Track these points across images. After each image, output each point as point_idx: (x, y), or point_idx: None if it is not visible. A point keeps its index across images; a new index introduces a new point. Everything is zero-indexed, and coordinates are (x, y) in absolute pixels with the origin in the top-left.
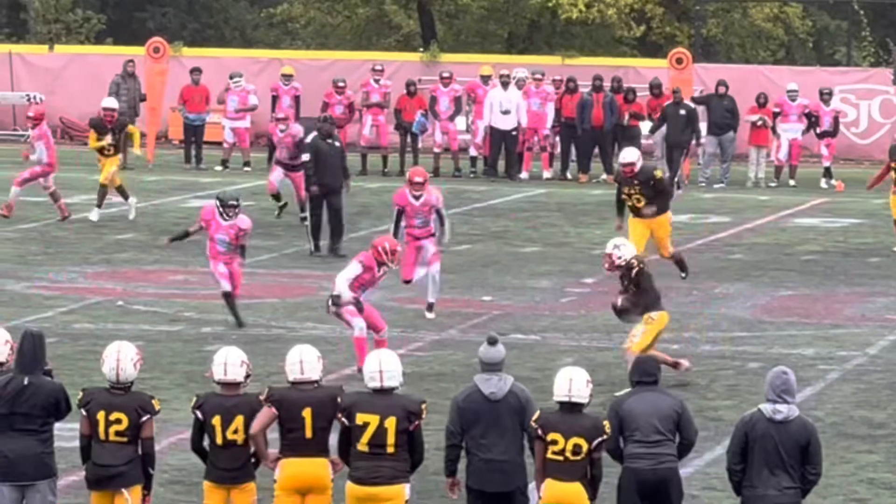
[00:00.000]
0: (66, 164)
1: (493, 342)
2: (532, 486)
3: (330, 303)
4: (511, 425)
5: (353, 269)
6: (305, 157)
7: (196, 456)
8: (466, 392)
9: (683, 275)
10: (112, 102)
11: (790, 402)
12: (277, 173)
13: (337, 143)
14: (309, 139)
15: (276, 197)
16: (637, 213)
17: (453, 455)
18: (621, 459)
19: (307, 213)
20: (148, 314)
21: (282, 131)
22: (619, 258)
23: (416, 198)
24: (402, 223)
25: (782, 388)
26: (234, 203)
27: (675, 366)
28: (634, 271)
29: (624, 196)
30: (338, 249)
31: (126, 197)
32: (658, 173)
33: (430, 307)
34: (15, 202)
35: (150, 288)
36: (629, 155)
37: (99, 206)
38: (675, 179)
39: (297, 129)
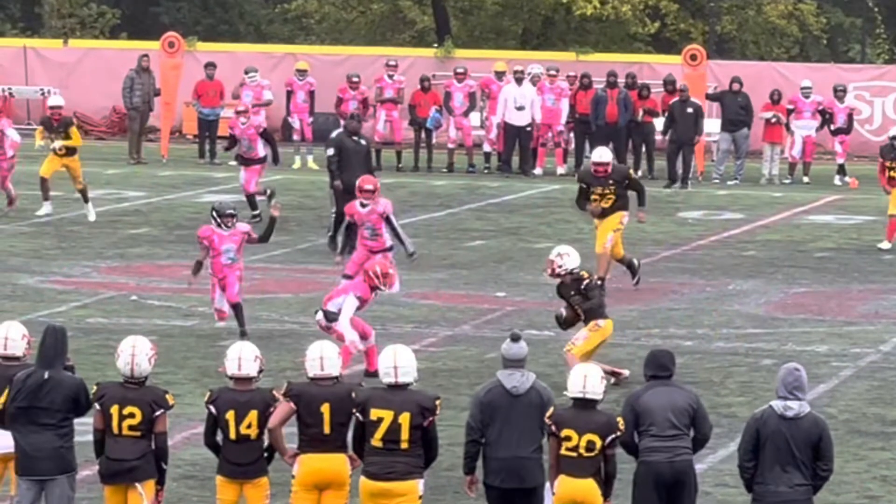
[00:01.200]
0: (81, 159)
1: (516, 339)
2: (548, 485)
3: (322, 317)
4: (531, 422)
5: (351, 305)
6: (330, 151)
7: (209, 450)
8: (488, 387)
9: (634, 279)
10: (58, 100)
11: (801, 399)
12: (242, 171)
13: (363, 142)
14: (334, 135)
15: (261, 192)
16: (602, 212)
17: (473, 451)
18: (635, 453)
19: (258, 212)
20: (162, 309)
21: (243, 124)
22: (561, 266)
23: (363, 206)
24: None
25: (794, 385)
26: (233, 212)
27: (615, 374)
28: (584, 283)
29: (595, 196)
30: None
31: (46, 197)
32: (632, 171)
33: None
34: None
35: (164, 283)
36: (604, 154)
37: (86, 200)
38: (689, 176)
39: (259, 120)
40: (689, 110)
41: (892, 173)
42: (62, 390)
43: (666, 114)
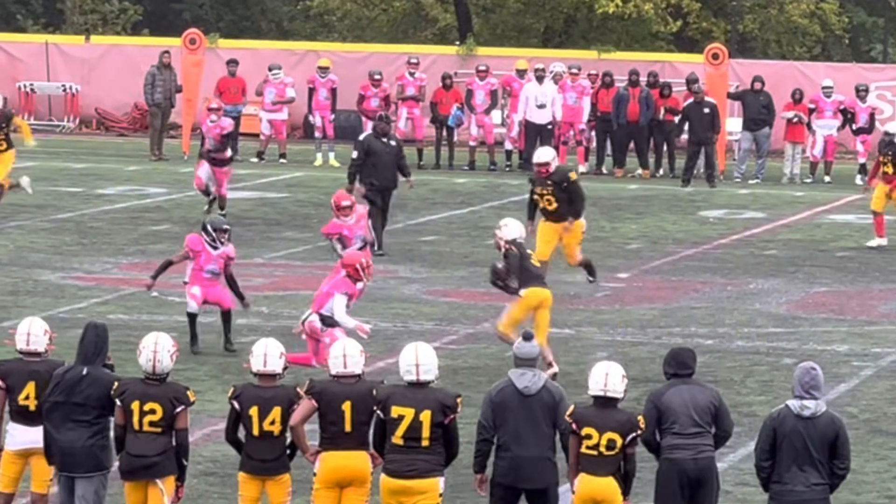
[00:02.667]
0: (102, 155)
1: (528, 338)
2: (564, 487)
3: (316, 321)
4: (543, 421)
5: (341, 303)
6: (354, 154)
7: (230, 447)
8: (500, 386)
9: (592, 279)
10: None
11: (818, 398)
12: (205, 168)
13: (393, 142)
14: (362, 137)
15: (206, 192)
16: (548, 215)
17: (485, 450)
18: (657, 451)
19: (225, 212)
20: (182, 305)
21: (212, 122)
22: (500, 237)
23: (348, 218)
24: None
25: (810, 384)
26: (227, 228)
27: (549, 365)
28: (503, 252)
29: (536, 196)
30: (380, 246)
31: None
32: (573, 175)
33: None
34: None
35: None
36: (545, 154)
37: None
38: (715, 175)
39: (227, 122)
40: (706, 110)
41: (885, 168)
42: (99, 387)
43: (681, 114)
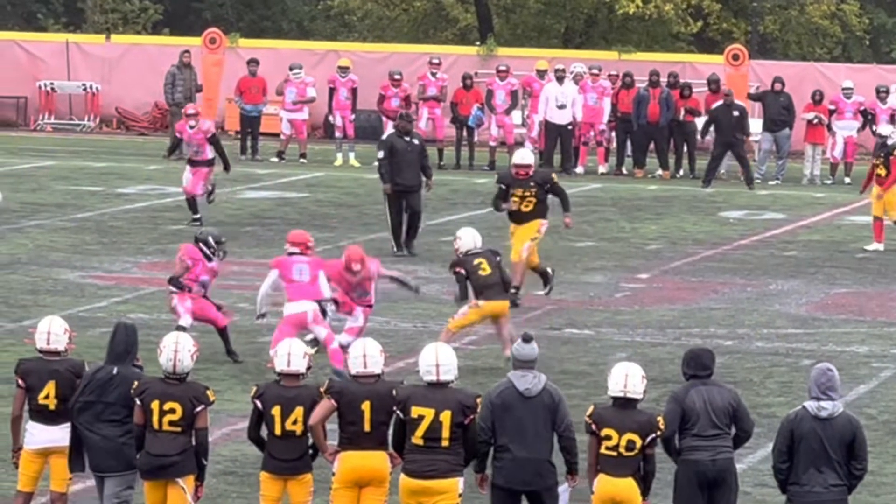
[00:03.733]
0: (123, 154)
1: (527, 340)
2: (562, 487)
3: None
4: (543, 423)
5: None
6: (379, 154)
7: (252, 445)
8: (500, 388)
9: (542, 291)
10: None
11: (834, 399)
12: (188, 173)
13: (416, 141)
14: (385, 136)
15: (192, 203)
16: (520, 217)
17: (483, 451)
18: (673, 452)
19: (199, 216)
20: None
21: (191, 127)
22: (457, 250)
23: (353, 273)
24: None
25: (826, 385)
26: (224, 240)
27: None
28: (455, 257)
29: (515, 199)
30: (412, 248)
31: None
32: (555, 175)
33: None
34: None
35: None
36: (527, 156)
37: None
38: (752, 176)
39: (207, 125)
40: (735, 113)
41: (878, 171)
42: (129, 386)
43: (708, 116)
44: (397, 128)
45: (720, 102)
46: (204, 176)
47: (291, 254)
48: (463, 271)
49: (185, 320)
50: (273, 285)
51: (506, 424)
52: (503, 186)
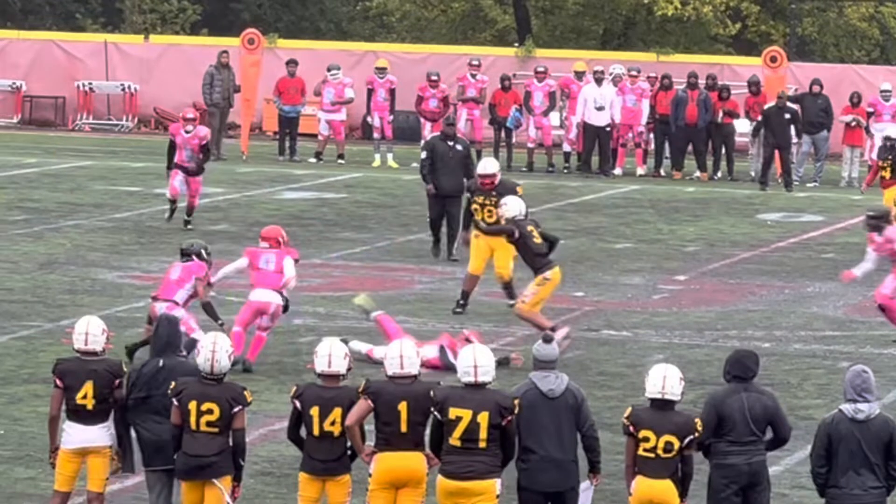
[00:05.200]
0: (161, 154)
1: (548, 340)
2: (583, 485)
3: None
4: (567, 423)
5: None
6: (422, 155)
7: (290, 446)
8: (523, 389)
9: (511, 302)
10: None
11: (870, 401)
12: (180, 177)
13: (459, 146)
14: (429, 137)
15: (174, 201)
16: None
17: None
18: (708, 454)
19: (190, 220)
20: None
21: (188, 132)
22: (501, 216)
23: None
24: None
25: (862, 388)
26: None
27: (553, 329)
28: (514, 236)
29: (475, 206)
30: (451, 253)
31: None
32: (520, 188)
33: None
34: None
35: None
36: (490, 166)
37: None
38: (792, 179)
39: (204, 131)
40: (787, 116)
41: (883, 173)
42: (177, 376)
43: (760, 118)
44: (442, 131)
45: (771, 104)
46: (200, 184)
47: (264, 247)
48: (517, 233)
49: (199, 333)
50: (237, 270)
51: (530, 425)
52: (469, 194)
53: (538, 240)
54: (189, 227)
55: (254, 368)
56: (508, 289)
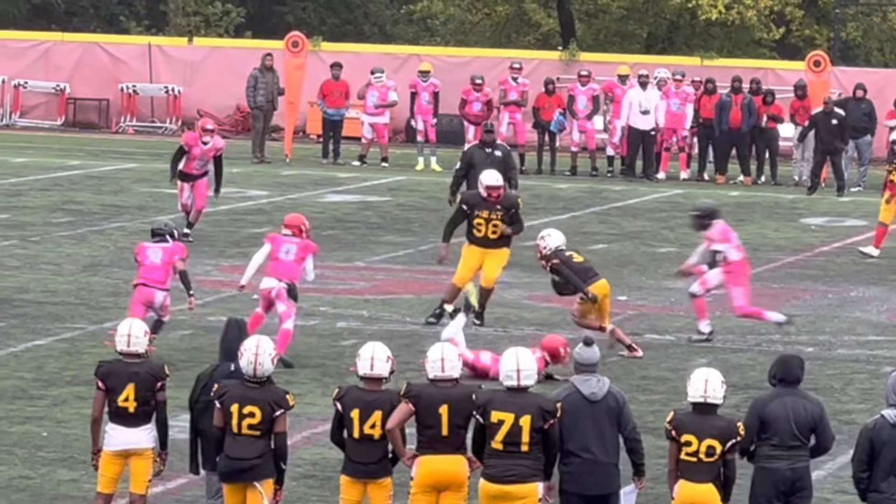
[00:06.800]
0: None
1: (589, 343)
2: (628, 488)
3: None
4: (609, 426)
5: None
6: (458, 164)
7: (333, 449)
8: (565, 393)
9: (478, 316)
10: None
11: None
12: (187, 191)
13: (497, 153)
14: (467, 147)
15: (188, 213)
16: (482, 241)
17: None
18: (751, 458)
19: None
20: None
21: (206, 144)
22: (545, 248)
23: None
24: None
25: None
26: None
27: (630, 348)
28: (550, 267)
29: (479, 220)
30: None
31: None
32: (520, 201)
33: None
34: None
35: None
36: (498, 177)
37: None
38: (844, 185)
39: (221, 142)
40: (834, 121)
41: (892, 177)
42: None
43: (807, 124)
44: (481, 139)
45: (818, 110)
46: (207, 187)
47: (286, 235)
48: (559, 262)
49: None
50: (264, 256)
51: (572, 429)
52: (465, 208)
53: (579, 258)
54: (190, 239)
55: (294, 363)
56: (486, 297)
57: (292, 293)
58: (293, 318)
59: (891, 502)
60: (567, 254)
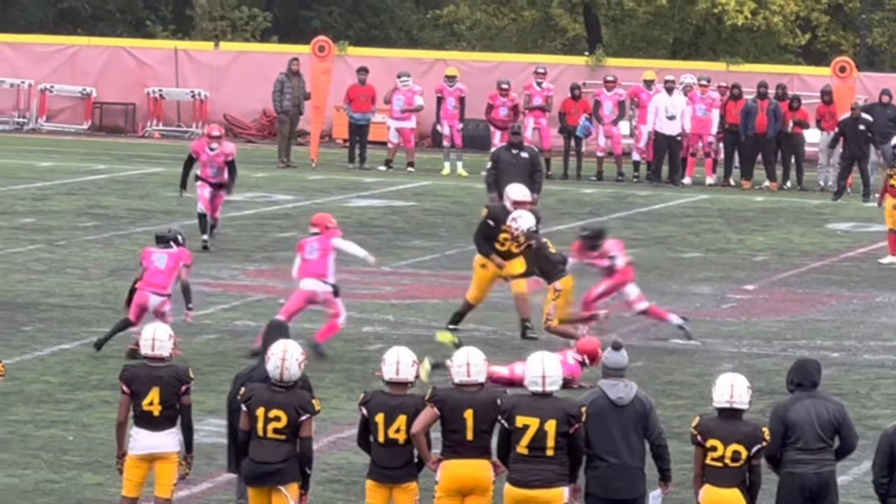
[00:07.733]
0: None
1: (617, 347)
2: (653, 493)
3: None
4: (635, 431)
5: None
6: (489, 165)
7: (359, 453)
8: (592, 397)
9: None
10: None
11: None
12: (208, 189)
13: (524, 155)
14: (494, 148)
15: (205, 215)
16: (505, 256)
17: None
18: (777, 465)
19: (207, 237)
20: (309, 313)
21: (212, 150)
22: (517, 229)
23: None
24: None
25: None
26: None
27: (592, 318)
28: (527, 246)
29: (505, 235)
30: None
31: None
32: (540, 216)
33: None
34: None
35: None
36: (525, 193)
37: None
38: (870, 191)
39: (230, 147)
40: (861, 127)
41: (892, 181)
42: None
43: (837, 130)
44: (507, 141)
45: (846, 116)
46: (223, 199)
47: (313, 234)
48: (538, 246)
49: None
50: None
51: (599, 433)
52: (492, 223)
53: (553, 250)
54: (210, 249)
55: (327, 352)
56: (524, 304)
57: (337, 293)
58: (345, 315)
59: None
60: (543, 239)
